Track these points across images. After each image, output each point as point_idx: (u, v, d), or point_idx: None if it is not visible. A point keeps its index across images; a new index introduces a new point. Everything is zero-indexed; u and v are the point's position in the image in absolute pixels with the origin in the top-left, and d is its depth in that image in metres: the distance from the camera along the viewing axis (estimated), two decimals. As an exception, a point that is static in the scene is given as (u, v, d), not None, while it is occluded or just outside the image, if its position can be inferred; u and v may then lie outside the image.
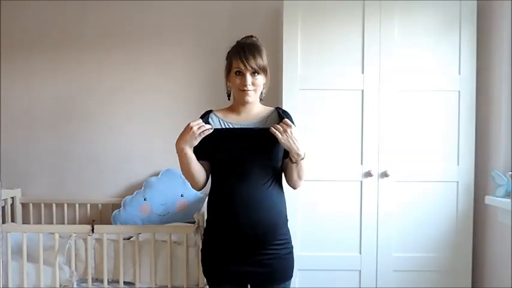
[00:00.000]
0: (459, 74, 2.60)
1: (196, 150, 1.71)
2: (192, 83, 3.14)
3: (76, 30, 3.13)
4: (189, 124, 1.66)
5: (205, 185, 1.79)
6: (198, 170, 1.73)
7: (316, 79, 2.61)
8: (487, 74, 2.61)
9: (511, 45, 2.43)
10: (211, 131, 1.66)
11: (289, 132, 1.63)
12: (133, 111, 3.15)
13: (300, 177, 1.76)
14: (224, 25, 3.09)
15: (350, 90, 2.61)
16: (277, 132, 1.64)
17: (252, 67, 1.67)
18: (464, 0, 2.58)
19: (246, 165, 1.69)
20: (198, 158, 1.72)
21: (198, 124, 1.66)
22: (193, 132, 1.64)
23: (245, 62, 1.66)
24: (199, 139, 1.65)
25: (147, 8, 3.10)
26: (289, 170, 1.75)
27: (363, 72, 2.60)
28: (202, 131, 1.64)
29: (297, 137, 1.65)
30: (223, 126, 1.75)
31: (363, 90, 2.60)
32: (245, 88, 1.69)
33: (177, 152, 1.69)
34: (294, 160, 1.69)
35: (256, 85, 1.71)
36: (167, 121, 3.15)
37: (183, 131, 1.67)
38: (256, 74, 1.69)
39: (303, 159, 1.69)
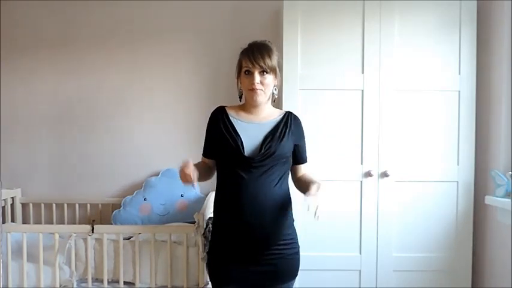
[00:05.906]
0: (459, 74, 2.60)
1: (210, 147, 1.80)
2: (193, 83, 3.14)
3: (76, 30, 3.12)
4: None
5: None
6: (205, 174, 1.79)
7: (316, 79, 2.61)
8: (487, 74, 2.61)
9: (511, 45, 2.43)
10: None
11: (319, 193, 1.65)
12: (133, 112, 3.15)
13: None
14: (224, 25, 3.09)
15: (350, 90, 2.61)
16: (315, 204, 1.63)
17: (260, 65, 1.67)
18: (464, 0, 2.58)
19: (256, 164, 1.69)
20: (210, 156, 1.81)
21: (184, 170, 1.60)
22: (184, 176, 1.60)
23: (253, 60, 1.67)
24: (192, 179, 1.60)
25: (147, 8, 3.10)
26: (299, 184, 1.82)
27: (363, 72, 2.60)
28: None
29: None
30: (235, 124, 1.74)
31: (363, 90, 2.60)
32: (253, 87, 1.69)
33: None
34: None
35: (265, 85, 1.70)
36: (167, 121, 3.15)
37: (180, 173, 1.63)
38: (264, 73, 1.69)
39: None
